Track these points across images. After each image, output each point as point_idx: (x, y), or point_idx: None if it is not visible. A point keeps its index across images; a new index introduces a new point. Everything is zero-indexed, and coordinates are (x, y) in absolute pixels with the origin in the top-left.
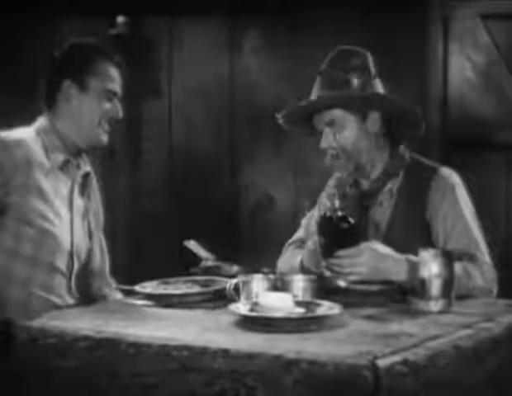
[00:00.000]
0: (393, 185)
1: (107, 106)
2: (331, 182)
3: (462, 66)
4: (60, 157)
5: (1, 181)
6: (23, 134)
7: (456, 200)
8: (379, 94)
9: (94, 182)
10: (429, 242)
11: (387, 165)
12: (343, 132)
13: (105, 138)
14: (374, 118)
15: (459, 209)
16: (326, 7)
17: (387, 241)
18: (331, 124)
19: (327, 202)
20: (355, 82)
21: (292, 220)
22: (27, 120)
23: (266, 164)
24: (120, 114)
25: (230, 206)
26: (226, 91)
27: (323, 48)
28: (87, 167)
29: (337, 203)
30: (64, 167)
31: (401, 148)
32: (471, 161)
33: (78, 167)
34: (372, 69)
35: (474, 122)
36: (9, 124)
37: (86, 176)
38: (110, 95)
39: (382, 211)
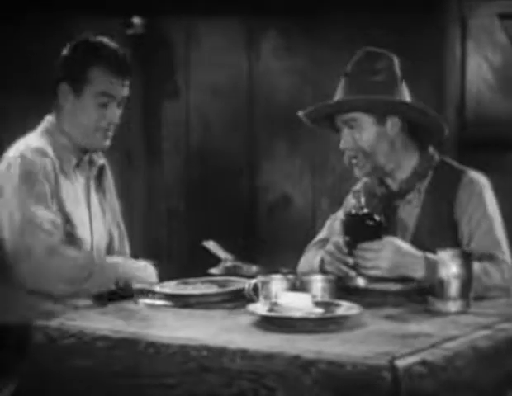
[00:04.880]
0: (421, 185)
1: (104, 111)
2: (358, 186)
3: (479, 66)
4: (73, 160)
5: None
6: (36, 141)
7: (482, 201)
8: (401, 101)
9: (108, 173)
10: (455, 242)
11: (417, 166)
12: (362, 133)
13: (105, 142)
14: (393, 121)
15: (485, 210)
16: (344, 8)
17: (415, 240)
18: (350, 124)
19: (352, 200)
20: (379, 86)
21: (310, 220)
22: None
23: (283, 164)
24: (116, 119)
25: (248, 206)
26: (244, 91)
27: (340, 48)
28: (101, 160)
29: (363, 201)
30: (78, 166)
31: (430, 150)
32: (489, 161)
33: (92, 162)
34: (398, 72)
35: (492, 122)
36: (25, 124)
37: (101, 169)
38: (106, 101)
39: (410, 210)
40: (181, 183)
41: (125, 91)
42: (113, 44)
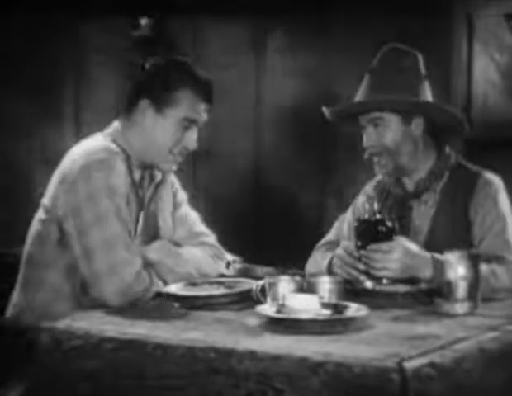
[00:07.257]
0: (437, 185)
1: (182, 135)
2: (368, 187)
3: (486, 67)
4: (136, 172)
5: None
6: (107, 143)
7: (496, 202)
8: (429, 102)
9: (177, 188)
10: (469, 243)
11: (433, 166)
12: (388, 132)
13: (172, 166)
14: (418, 122)
15: (498, 212)
16: (350, 8)
17: (430, 240)
18: (376, 123)
19: (366, 205)
20: (405, 85)
21: (317, 220)
22: (51, 122)
23: (290, 164)
24: (195, 145)
25: (255, 206)
26: (251, 91)
27: (346, 48)
28: (158, 178)
29: (376, 206)
30: (140, 182)
31: (447, 150)
32: (495, 162)
33: (152, 178)
34: (422, 71)
35: (498, 123)
36: (32, 124)
37: (157, 185)
38: (187, 124)
39: (426, 210)
40: (187, 183)
41: (206, 117)
42: (200, 69)
